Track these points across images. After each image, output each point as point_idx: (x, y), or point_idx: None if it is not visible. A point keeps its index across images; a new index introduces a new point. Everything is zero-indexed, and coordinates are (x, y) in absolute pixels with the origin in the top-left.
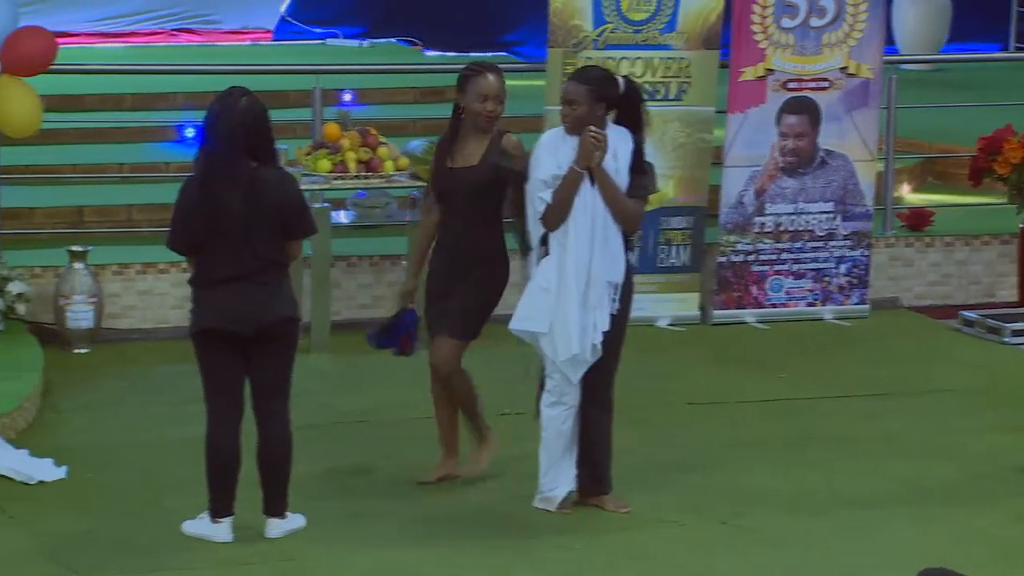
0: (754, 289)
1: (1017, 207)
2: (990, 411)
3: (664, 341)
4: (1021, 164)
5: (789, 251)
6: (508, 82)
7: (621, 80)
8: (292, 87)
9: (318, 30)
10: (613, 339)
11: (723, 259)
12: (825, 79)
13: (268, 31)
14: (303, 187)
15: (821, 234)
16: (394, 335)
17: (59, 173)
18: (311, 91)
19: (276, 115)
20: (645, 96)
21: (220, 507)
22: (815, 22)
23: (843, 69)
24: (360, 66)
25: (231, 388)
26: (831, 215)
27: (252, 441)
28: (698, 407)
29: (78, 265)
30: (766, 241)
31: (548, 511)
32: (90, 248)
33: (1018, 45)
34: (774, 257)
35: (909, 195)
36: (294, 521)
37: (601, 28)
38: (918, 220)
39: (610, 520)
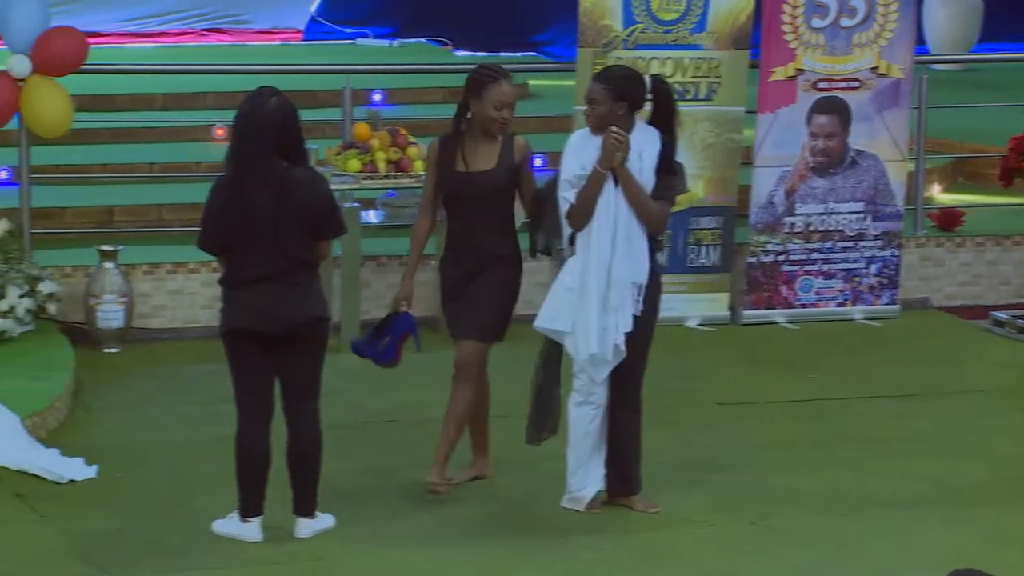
0: (784, 289)
1: None
2: (1020, 411)
3: (694, 341)
4: None
5: (819, 251)
6: (538, 82)
7: (648, 79)
8: (322, 87)
9: (348, 30)
10: (641, 339)
11: (753, 259)
12: (855, 79)
13: (298, 31)
14: (333, 187)
15: (851, 234)
16: (378, 343)
17: (90, 173)
18: (341, 91)
19: (306, 115)
20: (676, 96)
21: (250, 507)
22: (845, 22)
23: (874, 69)
24: (390, 66)
25: (261, 388)
26: (861, 215)
27: (282, 441)
28: (728, 407)
29: (108, 265)
30: (796, 241)
31: (576, 511)
32: (120, 248)
33: None
34: (804, 257)
35: (940, 195)
36: (323, 521)
37: (631, 28)
38: (949, 220)
39: (639, 520)
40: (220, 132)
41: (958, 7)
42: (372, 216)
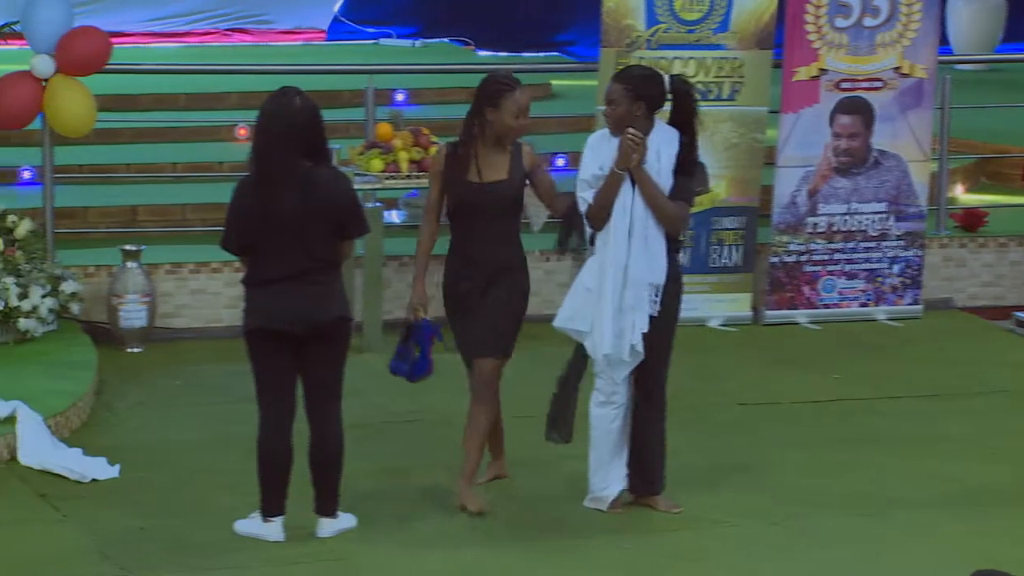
0: (806, 289)
1: None
2: None
3: (716, 341)
4: None
5: (842, 251)
6: (560, 82)
7: (667, 79)
8: (345, 87)
9: (371, 30)
10: (662, 340)
11: (775, 259)
12: (879, 79)
13: (321, 31)
14: (356, 187)
15: (874, 234)
16: (408, 357)
17: (113, 172)
18: (364, 91)
19: (329, 115)
20: (698, 96)
21: (272, 506)
22: (869, 22)
23: (897, 69)
24: (412, 66)
25: (284, 388)
26: (884, 215)
27: (304, 441)
28: (750, 408)
29: (131, 264)
30: (819, 241)
31: (599, 511)
32: (143, 247)
33: None
34: (827, 257)
35: (963, 195)
36: (345, 521)
37: (654, 28)
38: (971, 220)
39: (661, 520)
40: (243, 132)
41: (981, 7)
42: (394, 216)
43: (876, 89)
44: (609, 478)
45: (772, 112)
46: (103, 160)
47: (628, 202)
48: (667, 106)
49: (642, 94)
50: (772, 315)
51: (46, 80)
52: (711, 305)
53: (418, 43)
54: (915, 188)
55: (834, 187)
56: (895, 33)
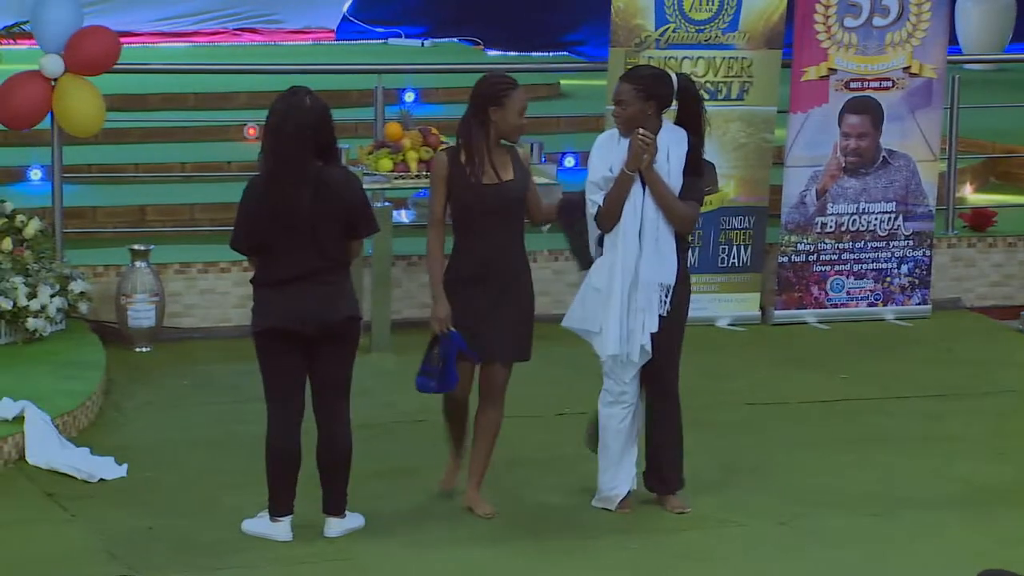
0: (815, 289)
1: None
2: None
3: (724, 341)
4: None
5: (850, 251)
6: (570, 81)
7: (675, 78)
8: (354, 86)
9: (380, 30)
10: (672, 339)
11: (784, 259)
12: (888, 79)
13: (330, 31)
14: (365, 186)
15: (883, 234)
16: (435, 372)
17: (122, 172)
18: (373, 90)
19: (338, 114)
20: (705, 96)
21: (280, 506)
22: (878, 22)
23: (906, 69)
24: (421, 66)
25: (292, 387)
26: (893, 215)
27: (312, 440)
28: (758, 407)
29: (140, 264)
30: (827, 241)
31: (607, 511)
32: (152, 247)
33: None
34: (835, 257)
35: (971, 195)
36: (353, 520)
37: (663, 28)
38: (980, 220)
39: (669, 520)
40: (252, 131)
41: (991, 7)
42: (403, 215)
43: (885, 89)
44: (618, 478)
45: (781, 112)
46: (112, 160)
47: (639, 203)
48: (672, 106)
49: (652, 94)
50: (780, 315)
51: (55, 80)
52: (719, 305)
53: (427, 43)
54: (924, 188)
55: (843, 187)
56: (904, 33)
